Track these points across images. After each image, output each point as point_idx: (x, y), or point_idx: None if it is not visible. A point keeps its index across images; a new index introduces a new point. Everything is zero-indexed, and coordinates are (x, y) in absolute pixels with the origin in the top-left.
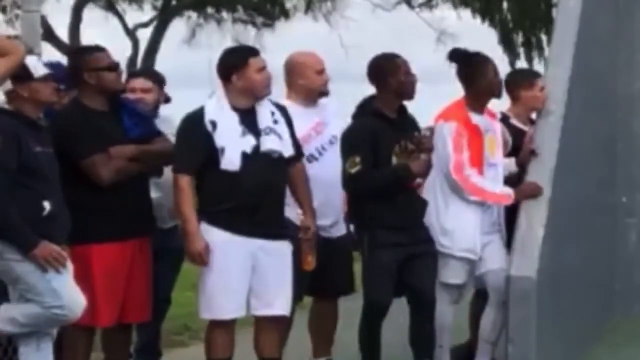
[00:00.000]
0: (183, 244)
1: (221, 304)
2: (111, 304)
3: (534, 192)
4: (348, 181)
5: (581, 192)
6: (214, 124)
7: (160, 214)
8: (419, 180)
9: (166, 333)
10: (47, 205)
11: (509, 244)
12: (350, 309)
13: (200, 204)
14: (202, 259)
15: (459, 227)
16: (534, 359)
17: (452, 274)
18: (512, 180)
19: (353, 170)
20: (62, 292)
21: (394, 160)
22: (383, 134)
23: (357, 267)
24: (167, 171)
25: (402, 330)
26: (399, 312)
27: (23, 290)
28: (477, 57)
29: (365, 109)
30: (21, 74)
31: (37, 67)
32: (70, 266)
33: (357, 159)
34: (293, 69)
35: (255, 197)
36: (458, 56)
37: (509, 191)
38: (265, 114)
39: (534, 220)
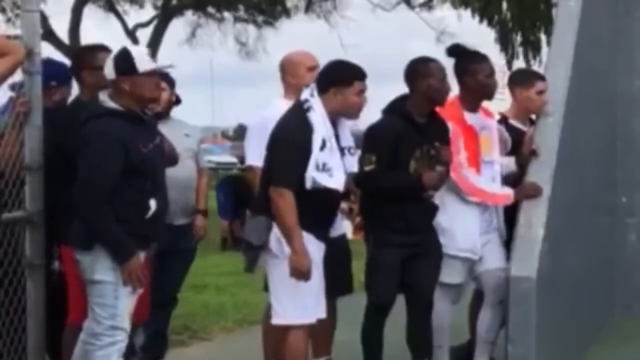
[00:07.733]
0: (195, 244)
1: (315, 306)
2: None
3: (534, 192)
4: (361, 178)
5: (581, 192)
6: (324, 143)
7: (172, 209)
8: (430, 192)
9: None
10: (152, 205)
11: (509, 243)
12: (350, 309)
13: None
14: (309, 276)
15: (459, 227)
16: (534, 359)
17: (451, 273)
18: (512, 180)
19: (367, 168)
20: (120, 315)
21: (413, 164)
22: (406, 136)
23: (357, 266)
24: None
25: (403, 330)
26: (399, 312)
27: (93, 295)
28: (472, 56)
29: (395, 108)
30: (125, 66)
31: (143, 61)
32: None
33: (373, 158)
34: (286, 68)
35: (338, 207)
36: (456, 52)
37: (508, 191)
38: (346, 131)
39: (534, 220)
